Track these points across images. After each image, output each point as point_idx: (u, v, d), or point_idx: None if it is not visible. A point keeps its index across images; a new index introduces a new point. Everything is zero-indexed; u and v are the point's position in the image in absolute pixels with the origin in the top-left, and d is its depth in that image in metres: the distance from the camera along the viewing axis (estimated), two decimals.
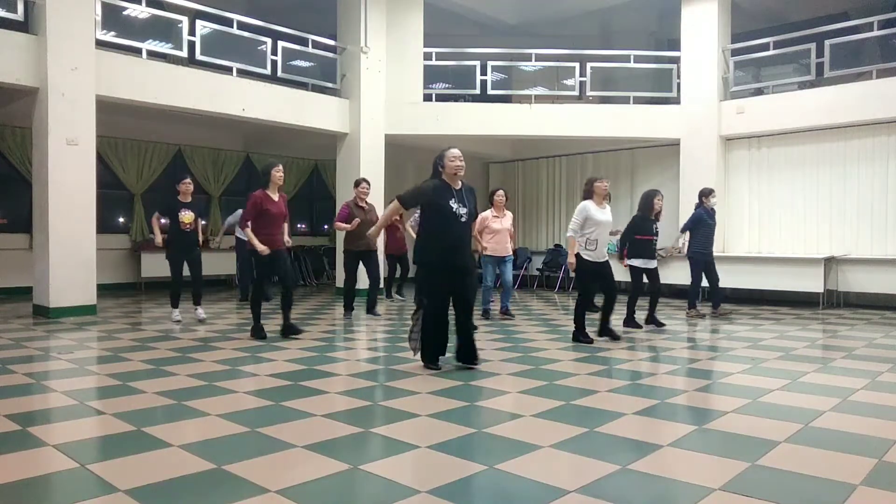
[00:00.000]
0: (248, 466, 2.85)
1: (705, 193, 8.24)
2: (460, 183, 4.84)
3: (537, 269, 12.76)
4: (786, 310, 9.15)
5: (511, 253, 7.88)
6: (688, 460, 3.03)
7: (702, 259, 8.07)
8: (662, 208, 7.29)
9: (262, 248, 6.08)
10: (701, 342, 6.52)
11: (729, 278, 9.94)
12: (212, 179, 12.62)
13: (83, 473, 2.78)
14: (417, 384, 4.43)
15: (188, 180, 7.46)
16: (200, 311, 7.56)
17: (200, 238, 7.47)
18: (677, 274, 10.12)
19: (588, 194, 6.24)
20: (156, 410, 3.75)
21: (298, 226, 14.51)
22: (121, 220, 11.85)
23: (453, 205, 4.69)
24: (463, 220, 4.73)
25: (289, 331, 6.36)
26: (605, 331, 6.34)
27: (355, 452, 3.07)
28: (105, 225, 10.61)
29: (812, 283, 9.36)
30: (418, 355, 4.94)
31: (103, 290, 8.92)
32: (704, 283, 8.34)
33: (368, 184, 7.83)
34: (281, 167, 6.32)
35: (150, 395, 4.07)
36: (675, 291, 10.91)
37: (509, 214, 7.90)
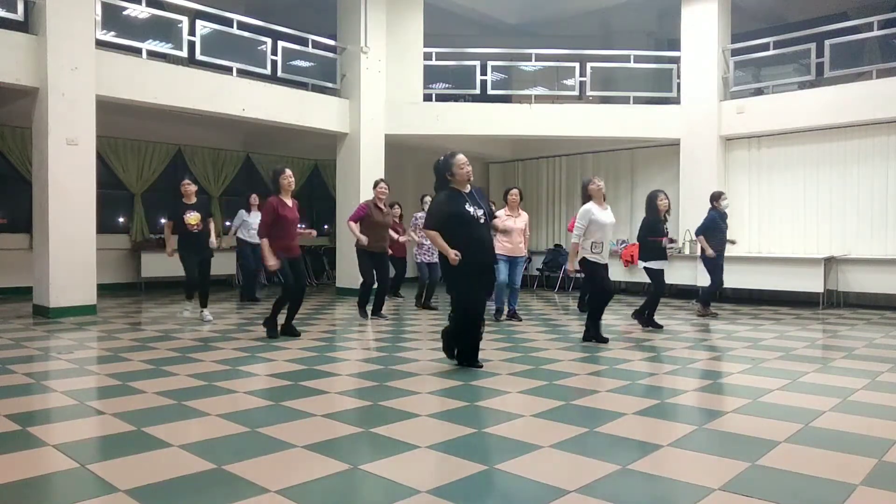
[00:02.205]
0: (248, 466, 2.85)
1: (716, 197, 8.26)
2: (469, 186, 4.90)
3: (537, 269, 12.75)
4: (786, 310, 9.15)
5: (524, 254, 7.77)
6: (688, 460, 3.03)
7: (720, 262, 8.13)
8: (669, 206, 7.26)
9: (272, 264, 5.98)
10: (701, 342, 6.52)
11: (729, 278, 9.92)
12: (212, 179, 12.62)
13: (83, 473, 2.78)
14: (417, 384, 4.43)
15: (187, 181, 7.46)
16: (207, 313, 7.55)
17: (213, 239, 7.47)
18: (678, 274, 10.14)
19: (588, 197, 6.23)
20: (156, 410, 3.74)
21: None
22: (121, 220, 11.85)
23: (469, 209, 4.76)
24: (482, 221, 4.81)
25: (288, 330, 6.37)
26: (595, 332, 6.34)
27: (355, 452, 3.08)
28: (105, 225, 10.60)
29: (812, 283, 9.35)
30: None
31: (103, 290, 8.92)
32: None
33: (386, 184, 7.77)
34: (289, 172, 6.27)
35: (150, 395, 4.07)
36: (675, 291, 10.92)
37: (524, 214, 7.76)
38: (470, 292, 4.84)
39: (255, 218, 8.99)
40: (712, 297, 8.48)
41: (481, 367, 4.89)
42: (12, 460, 2.92)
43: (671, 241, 7.34)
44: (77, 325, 7.05)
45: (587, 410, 3.84)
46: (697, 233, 8.34)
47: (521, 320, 7.71)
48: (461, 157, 4.84)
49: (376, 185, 7.74)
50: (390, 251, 8.07)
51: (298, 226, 6.50)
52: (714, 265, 8.20)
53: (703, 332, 7.12)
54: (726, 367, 5.18)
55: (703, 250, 8.20)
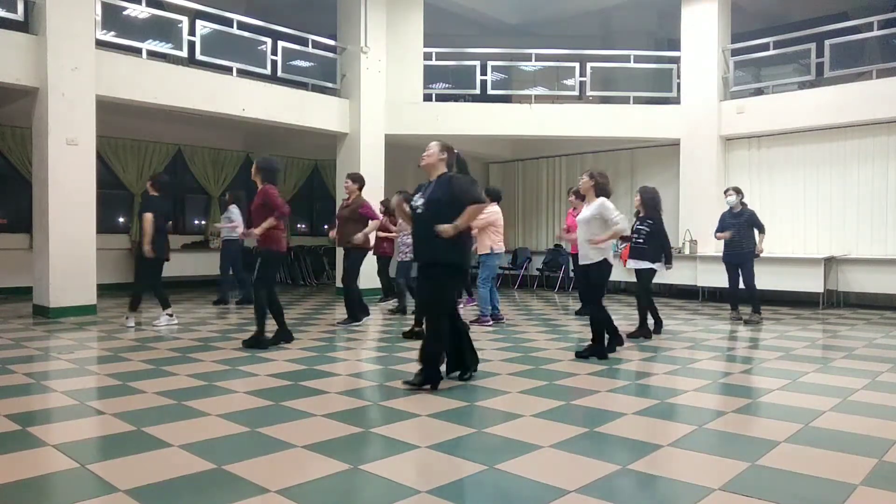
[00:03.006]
0: (248, 466, 2.85)
1: (723, 195, 8.11)
2: (440, 173, 4.45)
3: (537, 269, 12.75)
4: (786, 310, 9.14)
5: (484, 251, 7.24)
6: (688, 460, 3.04)
7: (726, 261, 7.88)
8: (651, 205, 6.69)
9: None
10: (701, 342, 6.52)
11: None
12: (212, 179, 12.62)
13: (83, 473, 2.78)
14: None
15: (151, 178, 7.37)
16: (130, 320, 7.01)
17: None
18: (678, 274, 10.09)
19: None
20: (156, 410, 3.75)
21: (298, 226, 14.52)
22: (121, 220, 11.85)
23: (415, 200, 4.47)
24: (418, 211, 4.38)
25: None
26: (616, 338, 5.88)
27: (355, 452, 3.08)
28: (105, 225, 10.60)
29: (812, 283, 9.35)
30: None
31: (103, 290, 8.91)
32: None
33: (351, 179, 7.27)
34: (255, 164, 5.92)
35: (150, 395, 4.07)
36: (675, 292, 10.92)
37: (493, 210, 7.28)
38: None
39: (229, 215, 9.23)
40: (743, 301, 8.21)
41: (427, 386, 4.21)
42: (12, 460, 2.92)
43: (629, 237, 6.86)
44: (77, 325, 7.05)
45: (587, 410, 3.84)
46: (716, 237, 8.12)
47: (477, 324, 7.25)
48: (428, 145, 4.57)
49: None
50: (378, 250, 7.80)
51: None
52: (734, 265, 7.88)
53: (702, 333, 7.11)
54: (726, 367, 5.18)
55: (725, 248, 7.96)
